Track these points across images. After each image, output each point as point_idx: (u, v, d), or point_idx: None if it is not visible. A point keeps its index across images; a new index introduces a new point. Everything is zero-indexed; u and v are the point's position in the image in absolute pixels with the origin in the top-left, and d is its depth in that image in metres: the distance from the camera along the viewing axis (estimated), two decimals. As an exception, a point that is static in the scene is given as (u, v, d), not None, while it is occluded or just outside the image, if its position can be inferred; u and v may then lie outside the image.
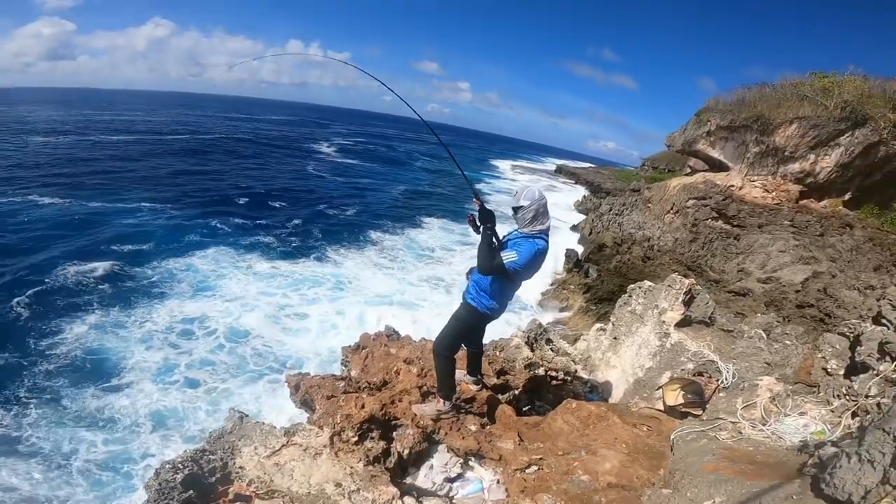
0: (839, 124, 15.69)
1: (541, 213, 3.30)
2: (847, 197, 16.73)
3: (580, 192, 43.62)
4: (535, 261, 3.32)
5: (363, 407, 3.53)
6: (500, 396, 4.51)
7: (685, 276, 6.13)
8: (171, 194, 22.69)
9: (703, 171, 21.88)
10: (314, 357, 11.00)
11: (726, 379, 3.73)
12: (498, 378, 4.91)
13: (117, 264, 13.76)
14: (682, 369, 4.24)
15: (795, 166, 16.81)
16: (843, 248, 14.97)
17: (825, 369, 3.21)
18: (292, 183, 30.18)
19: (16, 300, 11.23)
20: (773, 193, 17.53)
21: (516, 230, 3.41)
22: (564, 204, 34.41)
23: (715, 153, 19.68)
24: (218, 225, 18.77)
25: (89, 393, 8.75)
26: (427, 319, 11.56)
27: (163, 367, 9.78)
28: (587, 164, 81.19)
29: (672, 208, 20.35)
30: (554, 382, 4.93)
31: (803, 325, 8.36)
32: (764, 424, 2.85)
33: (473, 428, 3.80)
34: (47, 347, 9.82)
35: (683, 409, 3.47)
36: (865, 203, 16.53)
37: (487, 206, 3.38)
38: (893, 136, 15.11)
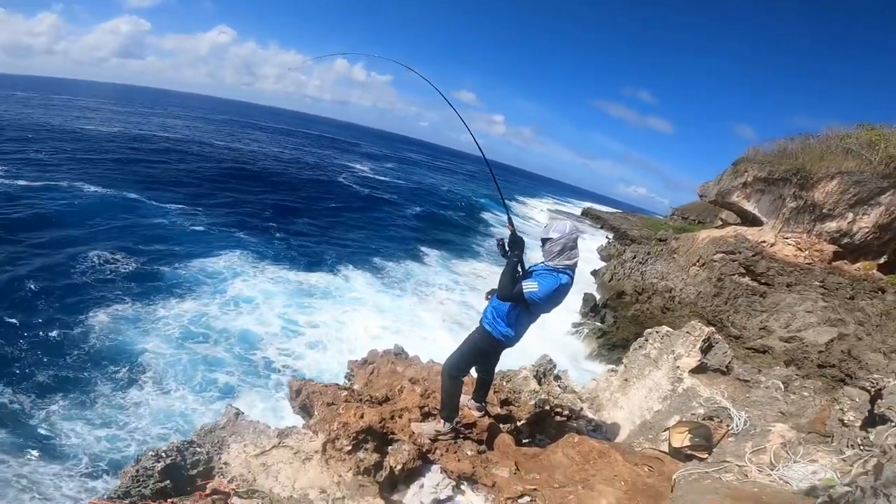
0: (881, 181, 14.98)
1: (569, 247, 3.27)
2: (882, 260, 16.05)
3: (605, 237, 43.08)
4: (555, 295, 3.27)
5: (362, 417, 3.50)
6: (501, 426, 4.41)
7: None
8: (203, 198, 23.65)
9: (734, 224, 21.41)
10: (319, 366, 11.04)
11: (737, 425, 3.57)
12: (501, 408, 4.80)
13: (143, 259, 14.20)
14: (693, 414, 4.07)
15: (832, 225, 16.16)
16: (872, 311, 14.25)
17: (841, 420, 3.04)
18: (319, 196, 31.20)
19: (44, 282, 11.52)
20: (807, 252, 16.92)
21: (542, 262, 3.38)
22: (587, 248, 33.98)
23: (749, 206, 19.10)
24: (242, 233, 19.34)
25: (101, 384, 8.82)
26: (423, 346, 11.48)
27: (176, 364, 9.91)
28: (615, 209, 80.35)
29: (698, 261, 19.87)
30: (558, 418, 4.79)
31: (822, 382, 7.93)
32: (772, 469, 2.70)
33: (470, 452, 3.71)
34: (66, 334, 9.99)
35: (689, 452, 3.32)
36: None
37: (518, 234, 3.38)
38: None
